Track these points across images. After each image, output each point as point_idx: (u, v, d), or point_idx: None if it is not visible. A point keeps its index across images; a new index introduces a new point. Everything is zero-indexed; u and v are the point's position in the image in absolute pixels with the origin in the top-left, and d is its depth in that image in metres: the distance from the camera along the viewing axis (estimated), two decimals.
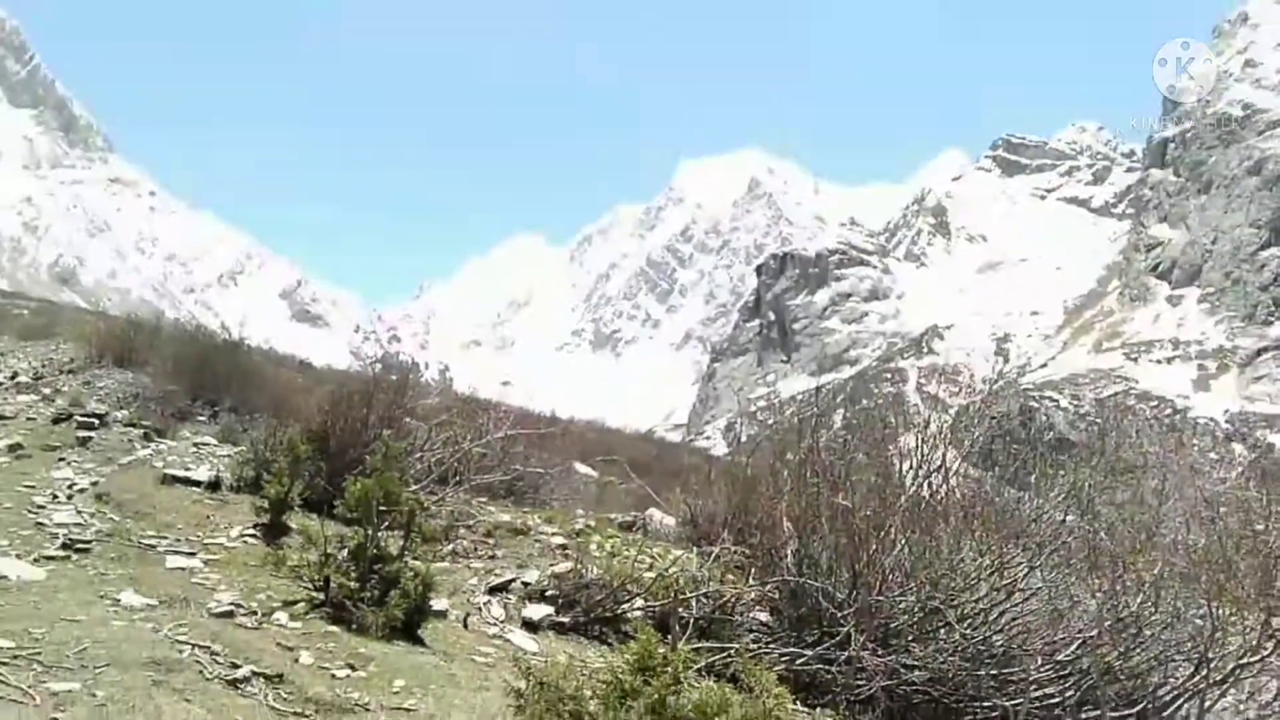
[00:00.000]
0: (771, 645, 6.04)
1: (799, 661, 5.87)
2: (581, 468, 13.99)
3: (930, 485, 6.98)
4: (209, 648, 4.50)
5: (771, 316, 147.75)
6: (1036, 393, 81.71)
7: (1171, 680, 5.92)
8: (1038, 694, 5.84)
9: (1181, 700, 5.80)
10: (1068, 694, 5.87)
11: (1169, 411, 79.08)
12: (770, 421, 12.13)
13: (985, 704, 5.92)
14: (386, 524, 6.01)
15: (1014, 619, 6.23)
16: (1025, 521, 7.07)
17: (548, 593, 6.58)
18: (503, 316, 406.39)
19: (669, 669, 3.71)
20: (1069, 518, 7.18)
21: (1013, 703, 5.75)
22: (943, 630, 6.14)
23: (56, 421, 9.72)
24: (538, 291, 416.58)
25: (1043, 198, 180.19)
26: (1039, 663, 6.01)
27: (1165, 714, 5.77)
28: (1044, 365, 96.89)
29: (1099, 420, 75.90)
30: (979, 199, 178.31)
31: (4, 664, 3.86)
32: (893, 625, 6.16)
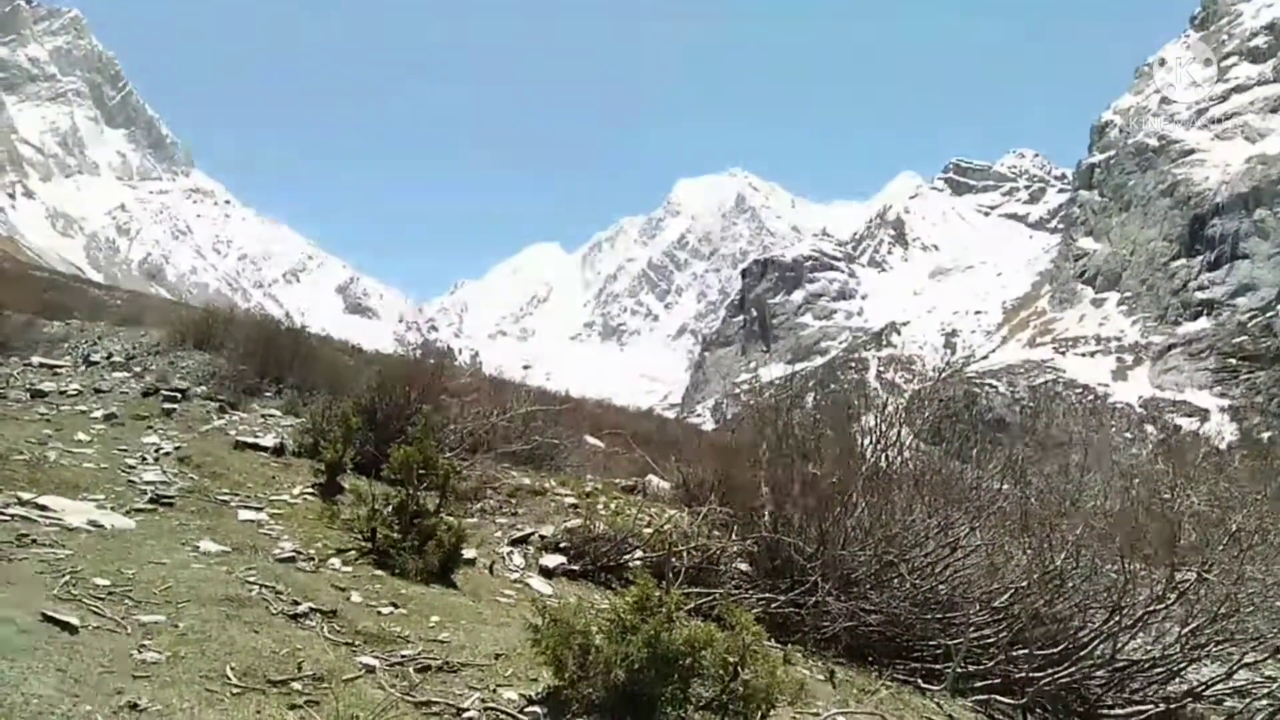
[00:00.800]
0: (750, 591, 6.05)
1: (773, 605, 5.88)
2: (591, 439, 13.96)
3: (887, 457, 6.98)
4: (274, 588, 4.51)
5: (754, 313, 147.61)
6: (979, 380, 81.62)
7: (1090, 624, 5.93)
8: (975, 635, 5.86)
9: (1097, 641, 5.82)
10: (1001, 635, 5.88)
11: (1091, 397, 78.96)
12: (752, 402, 12.12)
13: (931, 643, 5.94)
14: (425, 485, 6.02)
15: (956, 571, 6.25)
16: (967, 489, 7.08)
17: (561, 544, 6.58)
18: (525, 310, 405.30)
19: (663, 609, 3.72)
20: (1004, 486, 7.19)
21: (954, 642, 5.77)
22: (896, 580, 6.16)
23: (145, 395, 9.71)
24: (555, 290, 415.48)
25: (986, 214, 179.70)
26: (977, 608, 6.03)
27: (1083, 653, 5.79)
28: (985, 357, 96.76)
29: (1031, 404, 75.86)
30: (932, 214, 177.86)
31: (100, 599, 3.88)
32: (853, 575, 6.17)
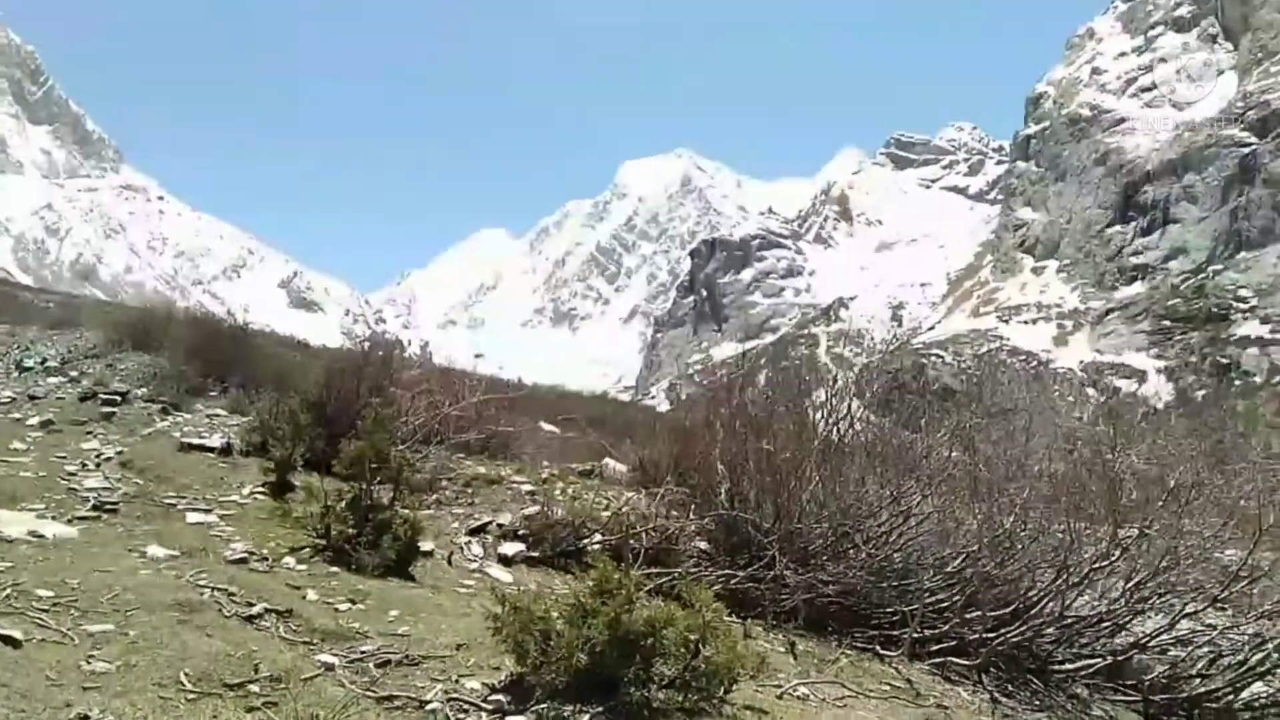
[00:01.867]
0: (709, 569, 6.10)
1: (733, 582, 5.93)
2: (546, 426, 13.92)
3: (839, 430, 7.07)
4: (226, 590, 4.43)
5: (704, 293, 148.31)
6: (926, 351, 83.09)
7: (1039, 584, 6.09)
8: (930, 600, 5.98)
9: (1046, 600, 5.98)
10: (955, 599, 6.01)
11: (1034, 364, 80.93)
12: (705, 382, 12.19)
13: (888, 610, 6.05)
14: (378, 479, 5.94)
15: (910, 539, 6.36)
16: (918, 458, 7.20)
17: (519, 532, 6.56)
18: (474, 299, 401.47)
19: (623, 591, 3.73)
20: (954, 453, 7.33)
21: (910, 608, 5.89)
22: (851, 551, 6.25)
23: (83, 400, 9.43)
24: (503, 277, 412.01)
25: (928, 187, 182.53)
26: (931, 574, 6.15)
27: (1033, 612, 5.95)
28: (931, 328, 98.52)
29: (977, 373, 77.50)
30: (875, 189, 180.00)
31: (45, 611, 3.77)
32: (810, 548, 6.25)
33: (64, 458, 7.02)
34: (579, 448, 11.62)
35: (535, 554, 6.31)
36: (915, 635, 5.73)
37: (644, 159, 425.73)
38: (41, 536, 4.88)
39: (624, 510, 6.71)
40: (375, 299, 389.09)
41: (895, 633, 5.86)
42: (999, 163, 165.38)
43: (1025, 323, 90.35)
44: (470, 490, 7.93)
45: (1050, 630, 6.01)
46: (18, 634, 3.40)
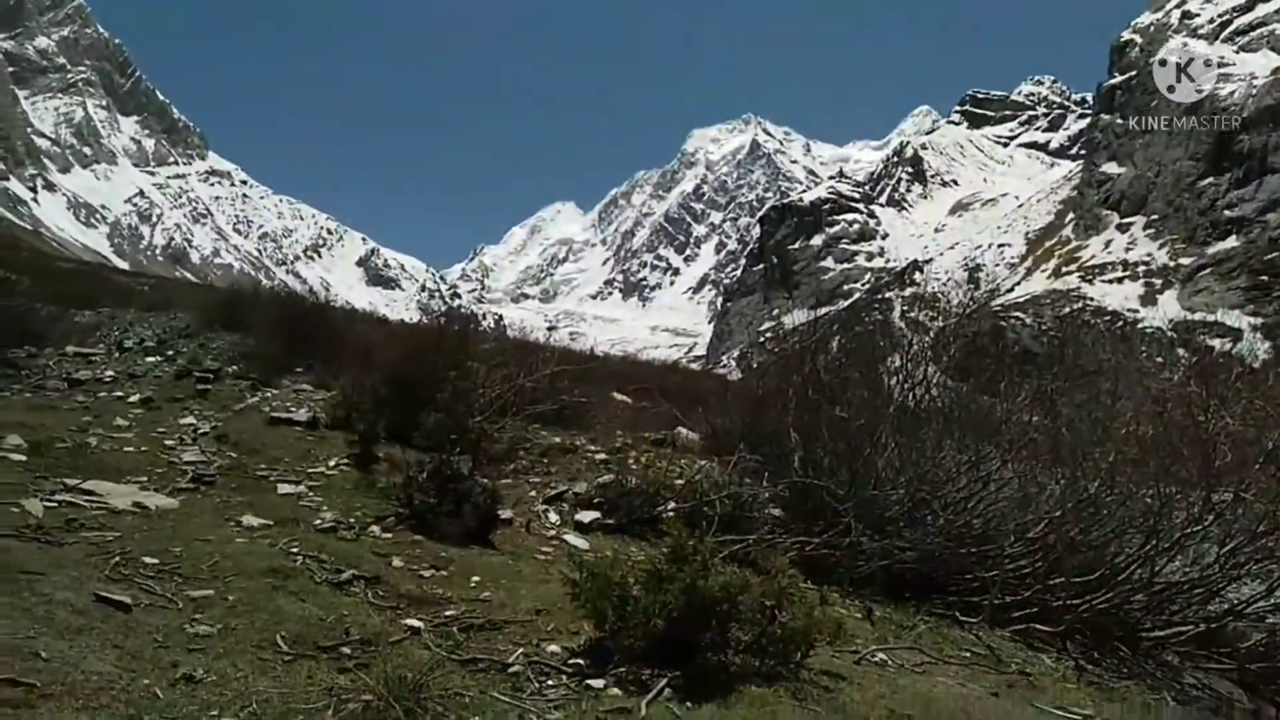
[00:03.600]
0: (783, 536, 6.08)
1: (807, 548, 5.91)
2: (618, 395, 13.98)
3: (915, 396, 6.95)
4: (317, 557, 4.60)
5: (774, 260, 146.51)
6: (1005, 313, 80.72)
7: (1126, 550, 5.90)
8: (1011, 566, 5.86)
9: (1134, 566, 5.79)
10: (1037, 565, 5.88)
11: (1120, 324, 77.88)
12: (776, 350, 12.08)
13: (967, 576, 5.95)
14: (457, 450, 6.07)
15: (989, 505, 6.24)
16: (997, 423, 7.03)
17: (595, 500, 6.64)
18: (545, 271, 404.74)
19: (699, 558, 3.75)
20: (1034, 418, 7.13)
21: (990, 574, 5.78)
22: (929, 517, 6.16)
23: (179, 378, 9.85)
24: (574, 249, 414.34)
25: (1005, 144, 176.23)
26: (1012, 540, 6.03)
27: (1121, 578, 5.77)
28: (1010, 290, 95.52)
29: (1059, 335, 74.98)
30: (950, 149, 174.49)
31: (151, 577, 3.97)
32: (886, 515, 6.18)
33: (163, 433, 7.37)
34: (651, 417, 11.66)
35: (610, 521, 6.38)
36: (996, 602, 5.63)
37: (712, 127, 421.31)
38: (146, 508, 5.14)
39: (697, 478, 6.72)
40: (450, 275, 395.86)
41: (975, 599, 5.77)
42: (1081, 116, 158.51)
43: (1110, 282, 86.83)
44: (546, 460, 8.05)
45: (1139, 597, 5.83)
46: (127, 599, 3.60)
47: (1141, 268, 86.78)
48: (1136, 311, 79.85)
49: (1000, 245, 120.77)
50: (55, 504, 4.88)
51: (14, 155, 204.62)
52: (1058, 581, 5.77)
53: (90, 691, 2.81)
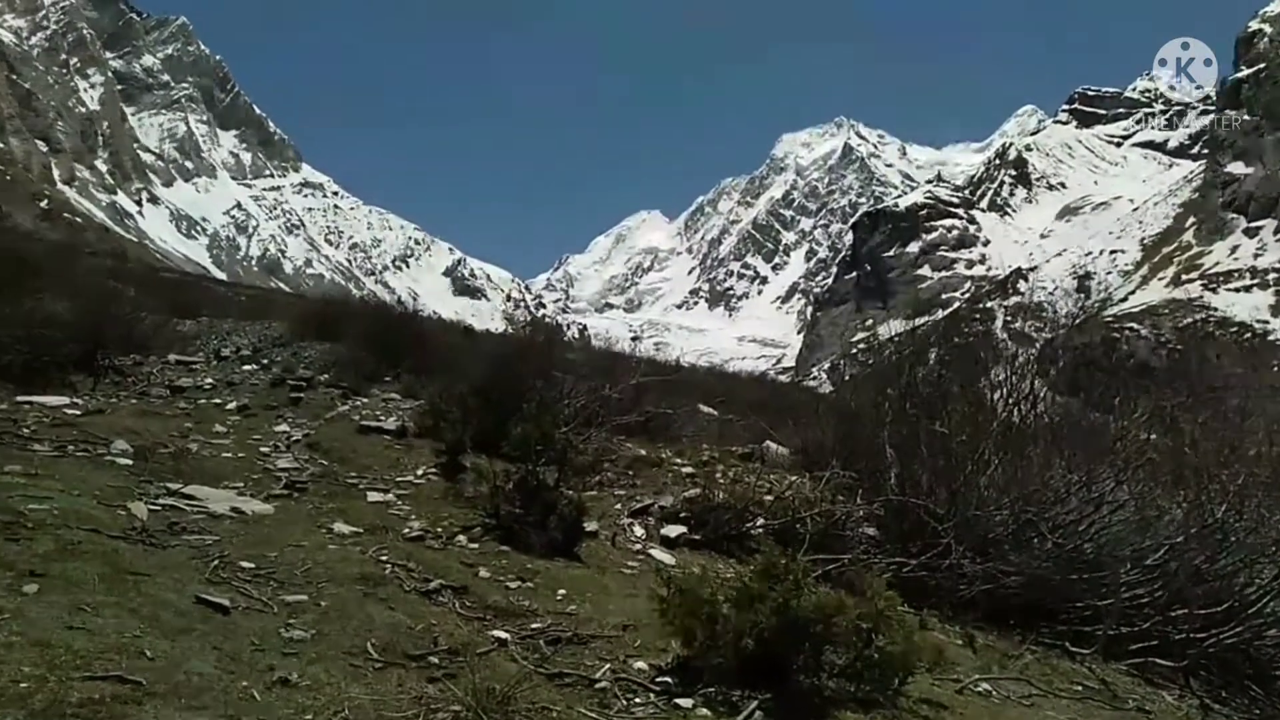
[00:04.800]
0: (879, 556, 5.96)
1: (905, 570, 5.77)
2: (704, 408, 13.94)
3: (1020, 411, 6.74)
4: (406, 566, 4.72)
5: (868, 268, 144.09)
6: (1118, 324, 77.44)
7: (1257, 581, 5.58)
8: (1128, 595, 5.61)
9: (1268, 599, 5.47)
10: (1157, 594, 5.62)
11: (1249, 335, 73.81)
12: (870, 361, 11.87)
13: (1078, 605, 5.73)
14: (543, 460, 6.15)
15: (1103, 529, 6.00)
16: (1111, 441, 6.76)
17: (681, 515, 6.62)
18: (630, 280, 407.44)
19: (791, 576, 3.71)
20: (1153, 436, 6.82)
21: (1104, 603, 5.55)
22: (1036, 540, 5.96)
23: (273, 386, 10.26)
24: (659, 258, 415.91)
25: (1118, 144, 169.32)
26: (1128, 567, 5.77)
27: (1251, 611, 5.46)
28: (1124, 299, 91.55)
29: (1179, 347, 71.50)
30: (1057, 149, 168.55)
31: (248, 581, 4.15)
32: (989, 536, 6.01)
33: (258, 440, 7.69)
34: (739, 430, 11.58)
35: (697, 537, 6.36)
36: (1111, 632, 5.39)
37: (802, 131, 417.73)
38: (242, 513, 5.37)
39: (788, 494, 6.65)
40: (535, 284, 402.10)
41: (1087, 629, 5.54)
42: (1203, 113, 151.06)
43: (1237, 290, 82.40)
44: (632, 472, 8.07)
45: (1273, 632, 5.50)
46: (226, 601, 3.76)
47: (1273, 275, 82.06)
48: (1267, 322, 75.51)
49: (1113, 252, 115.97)
50: (159, 508, 5.14)
51: (121, 170, 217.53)
52: (1180, 613, 5.50)
53: (192, 691, 2.94)
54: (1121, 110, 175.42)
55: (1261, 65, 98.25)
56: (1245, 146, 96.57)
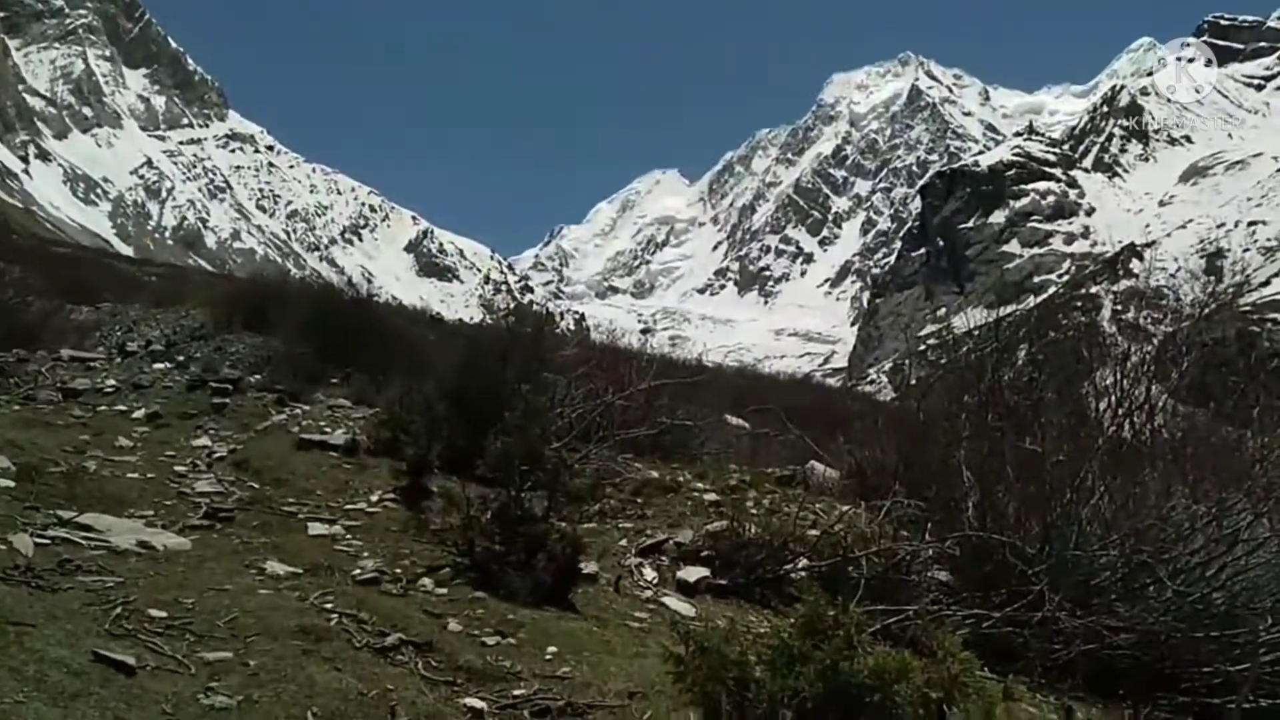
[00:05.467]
0: (953, 607, 5.96)
1: (985, 624, 5.77)
2: (733, 419, 13.97)
3: (1133, 425, 6.73)
4: (356, 615, 4.73)
5: (940, 243, 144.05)
6: (1257, 315, 77.13)
7: None
8: (1269, 657, 5.58)
9: None
10: None
11: None
12: (943, 361, 11.87)
13: (1205, 669, 5.71)
14: (530, 484, 6.15)
15: (1237, 574, 5.98)
16: (1248, 463, 6.74)
17: (703, 553, 6.62)
18: (639, 258, 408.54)
19: (841, 632, 3.70)
20: None
21: (1239, 667, 5.53)
22: (1152, 588, 5.95)
23: (191, 389, 10.30)
24: (676, 230, 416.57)
25: (1260, 87, 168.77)
26: (1269, 623, 5.75)
27: None
28: (1265, 284, 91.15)
29: None
30: (1181, 94, 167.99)
31: (159, 634, 4.16)
32: (1093, 583, 6.01)
33: (173, 456, 7.72)
34: (776, 447, 11.60)
35: (723, 581, 6.36)
36: (1247, 705, 5.37)
37: (858, 70, 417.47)
38: (152, 548, 5.39)
39: (837, 528, 6.64)
40: (520, 263, 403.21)
41: (1216, 700, 5.53)
42: None
43: None
44: (641, 500, 8.08)
45: None
46: (131, 659, 3.78)
47: None
48: None
49: (1251, 224, 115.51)
50: (48, 540, 5.17)
51: (3, 118, 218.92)
52: None
53: None
54: (1264, 45, 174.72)
55: None
56: None
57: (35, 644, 3.72)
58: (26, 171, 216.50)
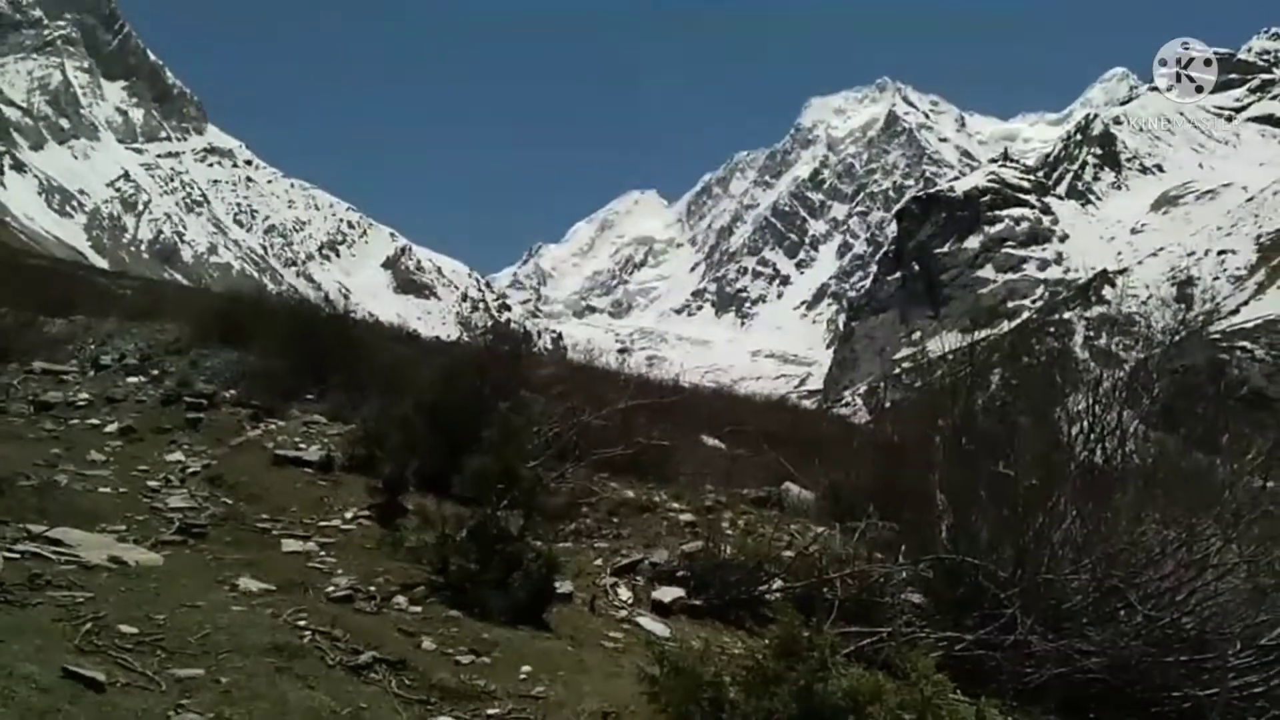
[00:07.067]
0: (926, 629, 5.97)
1: (958, 647, 5.78)
2: (709, 439, 14.01)
3: (1104, 450, 6.77)
4: (329, 633, 4.70)
5: (915, 267, 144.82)
6: (1227, 343, 77.95)
7: None
8: (1238, 682, 5.62)
9: None
10: (1274, 683, 5.63)
11: None
12: (918, 384, 11.95)
13: (1175, 694, 5.73)
14: (505, 502, 6.15)
15: (1207, 599, 6.02)
16: (1218, 489, 6.79)
17: (678, 574, 6.63)
18: (617, 278, 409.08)
19: (815, 653, 3.71)
20: (1270, 484, 6.86)
21: (1208, 692, 5.56)
22: (1123, 611, 5.98)
23: (166, 403, 10.24)
24: (654, 250, 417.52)
25: (1230, 118, 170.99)
26: (1238, 647, 5.79)
27: None
28: (1235, 311, 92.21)
29: None
30: (1153, 124, 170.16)
31: (129, 650, 4.12)
32: (1065, 606, 6.03)
33: (145, 471, 7.67)
34: (752, 468, 11.61)
35: (698, 602, 6.37)
36: None
37: (836, 95, 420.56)
38: (123, 564, 5.34)
39: (812, 550, 6.66)
40: (498, 281, 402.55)
41: None
42: None
43: None
44: (616, 519, 8.08)
45: None
46: (100, 676, 3.74)
47: None
48: None
49: (1221, 252, 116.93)
50: (17, 555, 5.11)
51: None
52: None
53: None
54: (1234, 76, 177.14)
55: None
56: None
57: (3, 660, 3.68)
58: (1, 183, 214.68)
